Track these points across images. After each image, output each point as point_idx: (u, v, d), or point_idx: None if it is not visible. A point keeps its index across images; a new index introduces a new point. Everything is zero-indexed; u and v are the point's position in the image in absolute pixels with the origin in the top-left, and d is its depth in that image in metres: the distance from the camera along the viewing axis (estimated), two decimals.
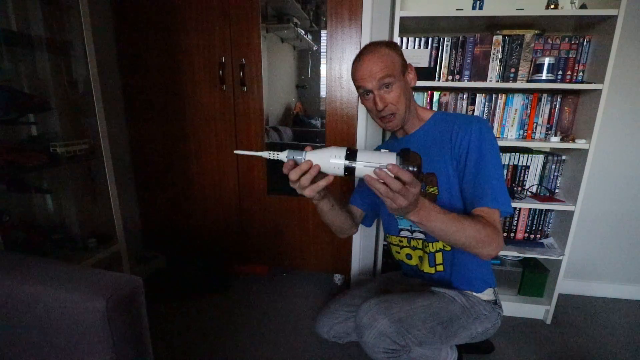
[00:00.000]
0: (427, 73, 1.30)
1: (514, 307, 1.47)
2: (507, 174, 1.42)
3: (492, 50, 1.28)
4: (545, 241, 1.44)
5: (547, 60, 1.22)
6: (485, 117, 1.39)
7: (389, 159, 0.61)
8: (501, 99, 1.36)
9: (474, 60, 1.30)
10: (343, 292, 1.21)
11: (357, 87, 0.93)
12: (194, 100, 1.61)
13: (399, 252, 1.07)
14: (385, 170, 0.59)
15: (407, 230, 1.02)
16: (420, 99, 1.41)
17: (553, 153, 1.42)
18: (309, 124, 1.67)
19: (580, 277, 1.66)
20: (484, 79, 1.30)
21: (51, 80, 1.25)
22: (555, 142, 1.28)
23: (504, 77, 1.30)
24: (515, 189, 1.42)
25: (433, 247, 0.97)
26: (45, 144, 1.19)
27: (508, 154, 1.40)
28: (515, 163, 1.40)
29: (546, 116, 1.36)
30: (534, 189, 1.41)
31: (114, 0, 1.58)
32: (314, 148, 0.67)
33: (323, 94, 1.54)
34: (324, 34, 1.47)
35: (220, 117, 1.61)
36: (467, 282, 0.97)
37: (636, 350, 1.31)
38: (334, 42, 1.46)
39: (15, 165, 1.09)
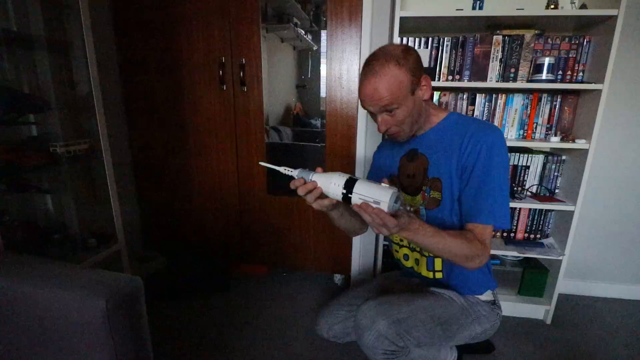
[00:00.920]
0: (427, 73, 1.29)
1: (514, 307, 1.47)
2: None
3: (492, 50, 1.28)
4: (545, 241, 1.44)
5: (547, 60, 1.22)
6: (485, 118, 1.39)
7: (383, 195, 0.63)
8: (501, 99, 1.36)
9: (474, 60, 1.30)
10: (343, 292, 1.21)
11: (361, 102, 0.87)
12: (194, 100, 1.61)
13: (397, 251, 1.08)
14: (373, 206, 0.64)
15: None
16: None
17: (553, 153, 1.42)
18: (309, 124, 1.67)
19: (580, 277, 1.66)
20: (484, 79, 1.30)
21: (51, 80, 1.25)
22: (555, 142, 1.28)
23: (504, 77, 1.30)
24: (515, 189, 1.42)
25: None
26: (45, 144, 1.19)
27: (508, 154, 1.40)
28: (515, 163, 1.40)
29: (546, 116, 1.36)
30: (534, 189, 1.41)
31: (114, 0, 1.58)
32: (323, 170, 0.75)
33: (323, 94, 1.54)
34: (324, 34, 1.47)
35: (220, 117, 1.61)
36: (467, 288, 0.97)
37: (635, 350, 1.31)
38: (334, 42, 1.46)
39: (15, 165, 1.09)
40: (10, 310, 0.69)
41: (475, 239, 0.81)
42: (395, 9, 1.21)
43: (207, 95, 1.59)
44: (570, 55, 1.27)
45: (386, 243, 1.46)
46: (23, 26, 1.17)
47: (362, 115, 1.51)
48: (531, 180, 1.42)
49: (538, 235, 1.46)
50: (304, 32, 1.55)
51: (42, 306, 0.66)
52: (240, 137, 1.62)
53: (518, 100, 1.35)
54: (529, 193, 1.41)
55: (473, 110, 1.38)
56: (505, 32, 1.29)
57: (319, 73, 1.53)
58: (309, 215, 1.67)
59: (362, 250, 1.69)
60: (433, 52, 1.32)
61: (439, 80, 1.33)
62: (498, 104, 1.36)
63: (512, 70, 1.29)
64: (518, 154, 1.39)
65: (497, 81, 1.30)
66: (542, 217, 1.44)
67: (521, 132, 1.38)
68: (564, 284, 1.64)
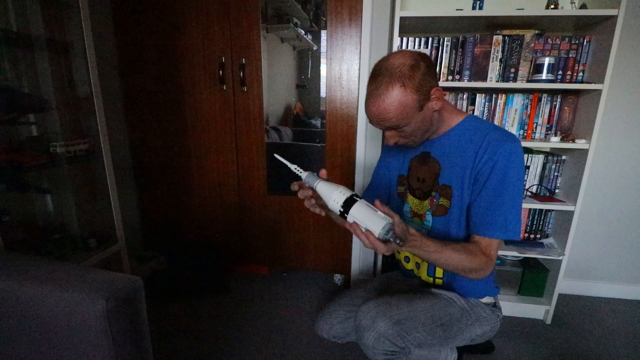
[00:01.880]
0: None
1: (514, 307, 1.47)
2: None
3: (492, 50, 1.28)
4: (545, 241, 1.44)
5: (547, 60, 1.22)
6: (485, 117, 1.39)
7: (375, 225, 0.63)
8: (501, 99, 1.36)
9: (474, 60, 1.30)
10: (343, 292, 1.21)
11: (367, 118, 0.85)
12: (193, 100, 1.61)
13: (399, 252, 1.07)
14: (365, 231, 0.65)
15: None
16: None
17: (553, 153, 1.42)
18: (309, 124, 1.67)
19: (580, 277, 1.66)
20: (484, 79, 1.30)
21: (51, 80, 1.25)
22: (555, 142, 1.28)
23: (504, 77, 1.30)
24: None
25: None
26: (45, 144, 1.19)
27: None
28: None
29: (546, 116, 1.36)
30: (534, 189, 1.41)
31: (114, 0, 1.58)
32: (327, 174, 0.76)
33: (323, 94, 1.54)
34: (324, 34, 1.47)
35: (220, 117, 1.61)
36: (467, 292, 0.96)
37: (636, 350, 1.31)
38: (334, 42, 1.46)
39: (15, 165, 1.09)
40: (10, 310, 0.69)
41: (480, 251, 0.81)
42: (395, 9, 1.21)
43: (207, 95, 1.59)
44: (570, 55, 1.27)
45: None
46: (23, 26, 1.17)
47: (362, 115, 1.51)
48: (531, 180, 1.42)
49: (538, 235, 1.46)
50: (304, 32, 1.55)
51: (42, 306, 0.66)
52: (240, 137, 1.62)
53: (518, 100, 1.35)
54: (529, 193, 1.41)
55: (473, 110, 1.38)
56: (505, 32, 1.29)
57: (319, 73, 1.53)
58: (309, 215, 1.67)
59: (362, 250, 1.69)
60: (433, 52, 1.32)
61: (439, 80, 1.33)
62: (498, 104, 1.36)
63: (512, 70, 1.29)
64: None
65: (497, 81, 1.30)
66: (542, 217, 1.44)
67: (521, 132, 1.38)
68: (564, 284, 1.64)
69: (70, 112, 1.32)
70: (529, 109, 1.35)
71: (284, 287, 1.70)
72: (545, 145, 1.35)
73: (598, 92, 1.19)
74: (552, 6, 1.22)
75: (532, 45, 1.27)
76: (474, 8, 1.27)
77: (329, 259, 1.72)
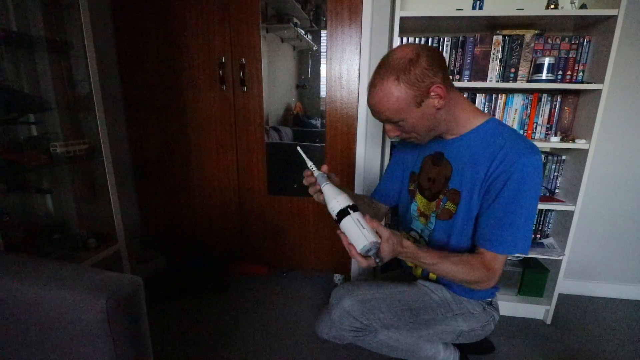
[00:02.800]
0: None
1: (514, 307, 1.47)
2: None
3: (492, 50, 1.28)
4: (545, 241, 1.44)
5: (547, 60, 1.22)
6: None
7: (359, 242, 0.67)
8: (501, 99, 1.36)
9: (474, 60, 1.30)
10: None
11: None
12: (194, 100, 1.61)
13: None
14: (349, 244, 0.70)
15: (416, 233, 1.00)
16: None
17: (553, 153, 1.42)
18: (309, 124, 1.66)
19: (580, 277, 1.66)
20: (484, 79, 1.30)
21: (51, 80, 1.25)
22: (555, 142, 1.28)
23: (504, 77, 1.30)
24: None
25: None
26: (45, 144, 1.19)
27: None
28: None
29: (546, 116, 1.36)
30: None
31: (114, 0, 1.58)
32: (328, 171, 0.81)
33: (323, 94, 1.54)
34: (324, 34, 1.47)
35: (220, 117, 1.61)
36: (459, 293, 0.94)
37: (636, 350, 1.31)
38: (334, 42, 1.46)
39: (15, 165, 1.09)
40: (10, 310, 0.69)
41: (482, 265, 0.79)
42: (395, 9, 1.21)
43: (207, 95, 1.59)
44: (570, 55, 1.27)
45: None
46: (23, 26, 1.17)
47: (362, 115, 1.51)
48: None
49: (538, 235, 1.46)
50: (304, 32, 1.55)
51: (42, 306, 0.66)
52: (240, 137, 1.62)
53: (518, 100, 1.35)
54: None
55: None
56: (505, 32, 1.29)
57: (319, 73, 1.53)
58: (309, 215, 1.67)
59: None
60: None
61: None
62: (498, 104, 1.36)
63: (512, 70, 1.29)
64: None
65: (497, 81, 1.30)
66: (542, 217, 1.44)
67: (521, 132, 1.38)
68: (564, 284, 1.64)
69: (70, 112, 1.32)
70: (529, 109, 1.35)
71: (284, 287, 1.70)
72: (545, 145, 1.35)
73: (598, 92, 1.19)
74: (552, 6, 1.22)
75: (532, 45, 1.27)
76: (474, 8, 1.27)
77: (329, 259, 1.72)
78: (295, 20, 1.53)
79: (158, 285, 1.58)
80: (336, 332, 0.94)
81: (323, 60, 1.50)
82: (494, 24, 1.30)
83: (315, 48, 1.53)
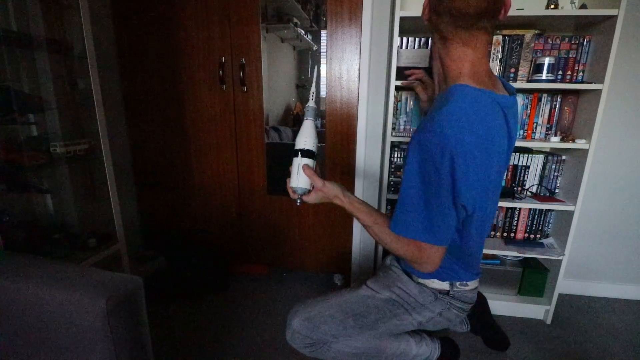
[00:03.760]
0: (427, 73, 1.30)
1: (514, 307, 1.47)
2: (507, 174, 1.42)
3: (492, 50, 1.28)
4: (545, 241, 1.44)
5: (547, 60, 1.22)
6: None
7: (293, 181, 0.83)
8: None
9: None
10: None
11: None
12: (194, 100, 1.61)
13: None
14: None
15: None
16: None
17: (553, 153, 1.42)
18: None
19: (580, 277, 1.66)
20: None
21: (51, 80, 1.25)
22: (555, 142, 1.28)
23: (504, 77, 1.30)
24: (515, 189, 1.42)
25: None
26: (45, 144, 1.19)
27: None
28: (515, 163, 1.40)
29: (546, 116, 1.36)
30: (534, 189, 1.41)
31: (114, 0, 1.58)
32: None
33: (323, 94, 1.54)
34: (324, 34, 1.47)
35: (220, 117, 1.61)
36: (418, 274, 0.92)
37: (636, 350, 1.31)
38: (334, 42, 1.46)
39: (15, 165, 1.09)
40: (10, 310, 0.69)
41: (414, 244, 0.75)
42: (395, 9, 1.21)
43: (207, 95, 1.59)
44: (570, 55, 1.26)
45: None
46: (23, 26, 1.17)
47: (362, 115, 1.51)
48: (531, 180, 1.42)
49: (538, 235, 1.46)
50: (304, 32, 1.55)
51: (42, 306, 0.66)
52: (240, 137, 1.62)
53: (518, 100, 1.35)
54: (529, 193, 1.41)
55: None
56: (505, 32, 1.29)
57: (319, 73, 1.53)
58: (309, 215, 1.67)
59: (362, 250, 1.69)
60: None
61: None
62: None
63: (512, 70, 1.29)
64: (518, 154, 1.39)
65: None
66: (542, 217, 1.44)
67: (521, 132, 1.38)
68: (564, 284, 1.64)
69: (70, 112, 1.32)
70: (529, 109, 1.35)
71: (283, 287, 1.70)
72: (545, 145, 1.35)
73: (598, 92, 1.19)
74: (552, 6, 1.22)
75: (532, 45, 1.27)
76: None
77: (329, 259, 1.72)
78: (295, 20, 1.53)
79: (158, 285, 1.58)
80: (297, 348, 0.97)
81: (323, 60, 1.50)
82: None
83: (315, 48, 1.53)
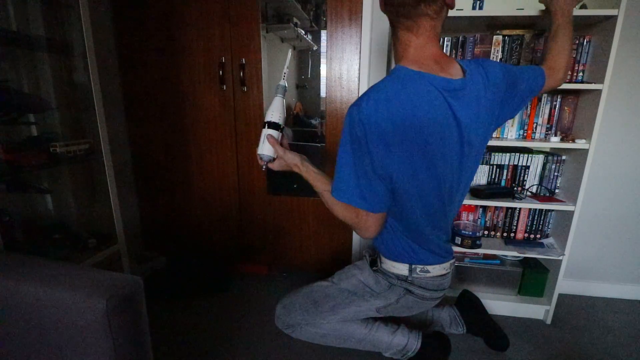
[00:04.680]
0: None
1: (514, 307, 1.47)
2: (507, 174, 1.42)
3: (492, 50, 1.28)
4: (545, 241, 1.44)
5: None
6: None
7: (259, 149, 0.96)
8: None
9: None
10: None
11: None
12: (193, 100, 1.61)
13: None
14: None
15: None
16: None
17: (553, 153, 1.42)
18: (309, 124, 1.67)
19: (580, 277, 1.66)
20: None
21: (51, 80, 1.25)
22: (555, 142, 1.28)
23: None
24: (515, 189, 1.42)
25: None
26: (45, 144, 1.19)
27: (508, 154, 1.40)
28: (515, 163, 1.40)
29: (546, 116, 1.36)
30: (534, 189, 1.41)
31: (114, 0, 1.58)
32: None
33: (323, 94, 1.54)
34: (324, 34, 1.47)
35: (220, 117, 1.61)
36: (383, 247, 0.96)
37: (636, 350, 1.31)
38: (334, 42, 1.46)
39: (15, 165, 1.09)
40: (10, 310, 0.69)
41: (354, 210, 0.82)
42: None
43: (207, 95, 1.59)
44: None
45: None
46: (23, 26, 1.17)
47: None
48: (531, 180, 1.42)
49: (538, 235, 1.46)
50: (304, 32, 1.55)
51: (42, 306, 0.66)
52: (240, 137, 1.62)
53: None
54: (529, 193, 1.41)
55: None
56: (505, 32, 1.29)
57: (319, 73, 1.53)
58: (309, 215, 1.67)
59: (362, 250, 1.69)
60: None
61: None
62: None
63: None
64: (518, 154, 1.39)
65: None
66: (542, 217, 1.44)
67: (521, 132, 1.38)
68: (564, 284, 1.64)
69: (70, 112, 1.32)
70: (529, 109, 1.35)
71: (284, 287, 1.70)
72: (545, 145, 1.35)
73: (598, 92, 1.19)
74: None
75: (532, 45, 1.27)
76: (474, 8, 1.26)
77: (329, 259, 1.72)
78: (295, 20, 1.53)
79: (158, 285, 1.58)
80: (280, 328, 1.12)
81: (323, 60, 1.50)
82: (494, 24, 1.30)
83: (315, 48, 1.53)
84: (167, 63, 1.59)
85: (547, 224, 1.45)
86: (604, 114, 1.20)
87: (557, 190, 1.41)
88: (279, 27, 1.54)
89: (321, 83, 1.54)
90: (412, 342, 1.08)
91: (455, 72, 0.79)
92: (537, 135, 1.38)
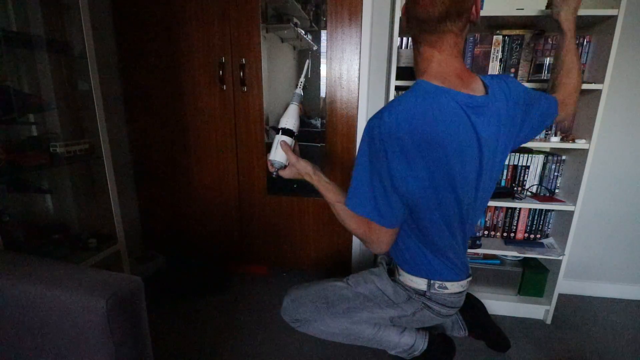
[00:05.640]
0: None
1: (514, 307, 1.47)
2: (507, 174, 1.42)
3: (492, 50, 1.28)
4: (545, 241, 1.44)
5: (547, 60, 1.22)
6: None
7: (271, 155, 0.91)
8: None
9: (474, 60, 1.30)
10: None
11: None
12: (194, 100, 1.61)
13: None
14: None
15: None
16: None
17: (553, 153, 1.42)
18: (309, 124, 1.67)
19: (580, 277, 1.66)
20: None
21: (51, 80, 1.25)
22: (555, 142, 1.28)
23: None
24: (515, 189, 1.42)
25: None
26: (45, 144, 1.19)
27: (508, 154, 1.40)
28: (515, 163, 1.40)
29: None
30: (534, 189, 1.41)
31: (114, 0, 1.58)
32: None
33: (323, 94, 1.54)
34: (324, 34, 1.47)
35: (220, 117, 1.61)
36: (402, 261, 0.94)
37: (636, 350, 1.31)
38: (334, 42, 1.46)
39: (15, 165, 1.09)
40: (10, 310, 0.69)
41: (366, 223, 0.81)
42: (395, 9, 1.21)
43: (207, 95, 1.59)
44: None
45: None
46: (23, 26, 1.17)
47: (362, 115, 1.51)
48: (531, 180, 1.42)
49: (538, 235, 1.46)
50: (304, 32, 1.55)
51: (42, 306, 0.66)
52: (240, 137, 1.62)
53: None
54: (529, 193, 1.41)
55: None
56: (505, 32, 1.29)
57: (319, 73, 1.53)
58: (309, 215, 1.67)
59: (362, 250, 1.69)
60: None
61: None
62: None
63: (512, 70, 1.29)
64: (518, 154, 1.39)
65: None
66: (542, 217, 1.44)
67: None
68: (564, 284, 1.64)
69: (70, 112, 1.32)
70: None
71: (283, 287, 1.70)
72: (545, 145, 1.35)
73: (598, 92, 1.19)
74: None
75: (532, 45, 1.27)
76: None
77: (329, 259, 1.72)
78: (295, 20, 1.53)
79: (158, 285, 1.58)
80: (287, 321, 1.09)
81: (323, 60, 1.50)
82: (494, 24, 1.30)
83: (315, 48, 1.53)
84: (167, 63, 1.59)
85: (547, 224, 1.45)
86: (604, 114, 1.20)
87: (557, 190, 1.41)
88: (279, 27, 1.54)
89: (321, 83, 1.54)
90: (419, 342, 1.07)
91: (477, 88, 0.78)
92: (536, 135, 1.38)
